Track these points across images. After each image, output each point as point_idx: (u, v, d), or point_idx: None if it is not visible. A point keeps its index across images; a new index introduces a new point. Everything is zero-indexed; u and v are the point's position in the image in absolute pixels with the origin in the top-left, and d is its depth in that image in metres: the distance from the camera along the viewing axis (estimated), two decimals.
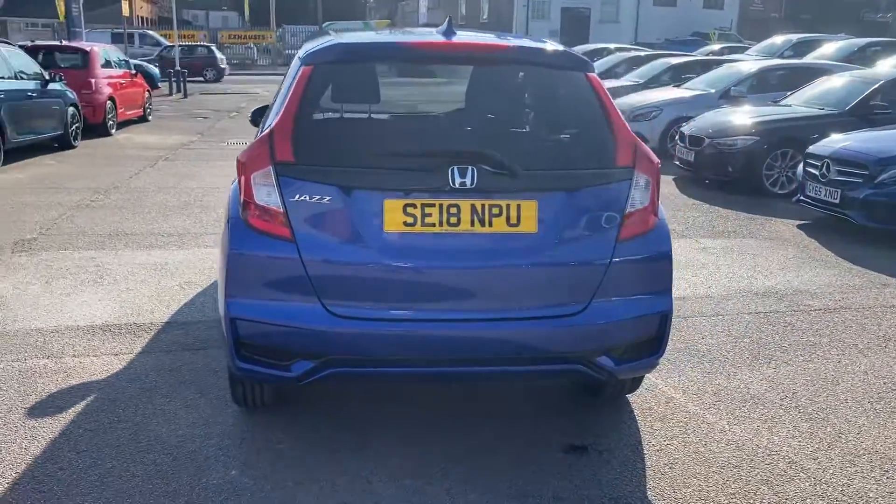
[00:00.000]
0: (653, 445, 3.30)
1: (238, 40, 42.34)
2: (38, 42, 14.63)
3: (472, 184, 2.85)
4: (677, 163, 9.71)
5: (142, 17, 57.82)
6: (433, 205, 2.87)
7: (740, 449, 3.27)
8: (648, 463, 3.17)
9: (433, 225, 2.88)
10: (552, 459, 3.16)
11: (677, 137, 9.95)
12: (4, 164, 9.66)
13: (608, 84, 9.54)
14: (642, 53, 18.60)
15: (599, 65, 16.63)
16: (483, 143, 2.99)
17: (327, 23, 47.86)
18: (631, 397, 3.71)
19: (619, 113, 3.13)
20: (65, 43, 15.05)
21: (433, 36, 3.19)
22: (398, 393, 3.67)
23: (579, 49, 19.39)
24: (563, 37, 33.10)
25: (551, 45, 3.26)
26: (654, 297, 3.12)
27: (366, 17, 47.19)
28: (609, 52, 20.58)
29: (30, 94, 10.48)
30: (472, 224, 2.90)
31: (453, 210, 2.88)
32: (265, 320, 2.89)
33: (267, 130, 2.97)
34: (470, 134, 3.19)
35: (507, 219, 2.91)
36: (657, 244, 3.11)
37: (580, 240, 2.99)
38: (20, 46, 11.84)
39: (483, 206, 2.90)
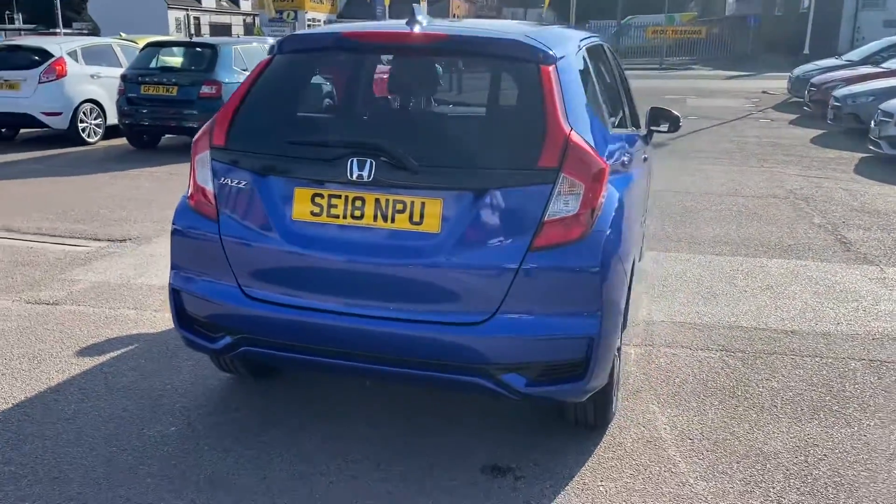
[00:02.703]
0: (584, 483, 2.95)
1: None
2: None
3: (369, 177, 2.78)
4: None
5: (455, 16, 61.63)
6: (339, 196, 2.86)
7: None
8: (563, 498, 2.85)
9: (337, 217, 2.86)
10: (466, 476, 2.98)
11: None
12: None
13: None
14: None
15: None
16: (389, 136, 2.89)
17: (628, 17, 47.09)
18: (611, 428, 3.33)
19: (561, 109, 2.82)
20: None
21: (389, 27, 3.14)
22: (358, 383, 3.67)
23: None
24: None
25: (510, 35, 3.02)
26: (577, 317, 2.78)
27: (669, 9, 45.43)
28: None
29: None
30: (375, 219, 2.83)
31: (358, 203, 2.84)
32: (197, 294, 3.10)
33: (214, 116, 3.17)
34: (381, 126, 3.08)
35: (410, 216, 2.80)
36: (582, 258, 2.76)
37: (487, 245, 2.76)
38: None
39: (387, 200, 2.81)
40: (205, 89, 10.40)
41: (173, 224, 3.16)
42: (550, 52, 2.96)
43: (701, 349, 4.22)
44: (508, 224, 2.75)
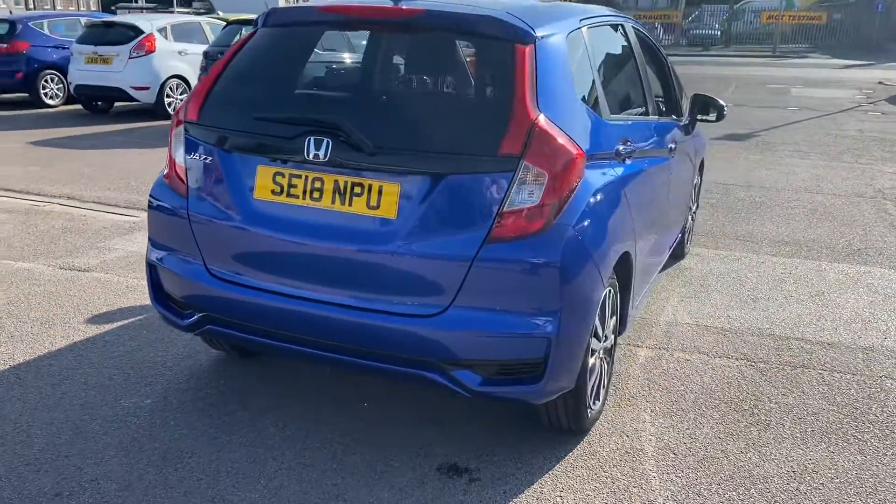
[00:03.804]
0: (541, 492, 2.76)
1: (643, 20, 41.99)
2: None
3: (325, 156, 2.67)
4: None
5: None
6: (300, 176, 2.77)
7: None
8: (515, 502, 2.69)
9: (297, 197, 2.77)
10: (419, 474, 2.85)
11: None
12: None
13: None
14: None
15: None
16: (347, 115, 2.76)
17: (743, 0, 44.87)
18: (592, 435, 3.12)
19: (531, 93, 2.62)
20: None
21: (369, 1, 2.99)
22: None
23: None
24: None
25: (490, 11, 2.82)
26: (535, 315, 2.59)
27: None
28: None
29: None
30: (333, 201, 2.72)
31: (317, 184, 2.74)
32: (168, 269, 3.09)
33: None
34: (342, 104, 2.94)
35: (368, 200, 2.68)
36: (541, 253, 2.56)
37: (442, 234, 2.60)
38: None
39: (346, 182, 2.70)
40: None
41: (149, 198, 3.16)
42: (531, 31, 2.75)
43: (719, 356, 3.91)
44: (466, 213, 2.59)
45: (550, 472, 2.89)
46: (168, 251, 3.10)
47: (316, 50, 3.39)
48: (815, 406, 3.43)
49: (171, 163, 3.07)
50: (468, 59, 2.90)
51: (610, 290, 3.08)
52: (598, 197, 2.82)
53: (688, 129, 4.73)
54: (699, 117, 4.78)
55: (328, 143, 2.67)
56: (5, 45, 12.76)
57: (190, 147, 2.99)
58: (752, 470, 2.93)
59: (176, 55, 12.08)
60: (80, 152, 9.21)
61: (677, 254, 5.41)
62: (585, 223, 2.68)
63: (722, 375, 3.70)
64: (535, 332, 2.60)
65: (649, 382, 3.61)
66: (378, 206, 2.66)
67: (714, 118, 4.73)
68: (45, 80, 13.08)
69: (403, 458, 2.94)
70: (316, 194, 2.74)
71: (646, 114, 3.80)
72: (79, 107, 12.93)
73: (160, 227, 3.12)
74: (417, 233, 2.62)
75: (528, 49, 2.72)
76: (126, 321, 4.14)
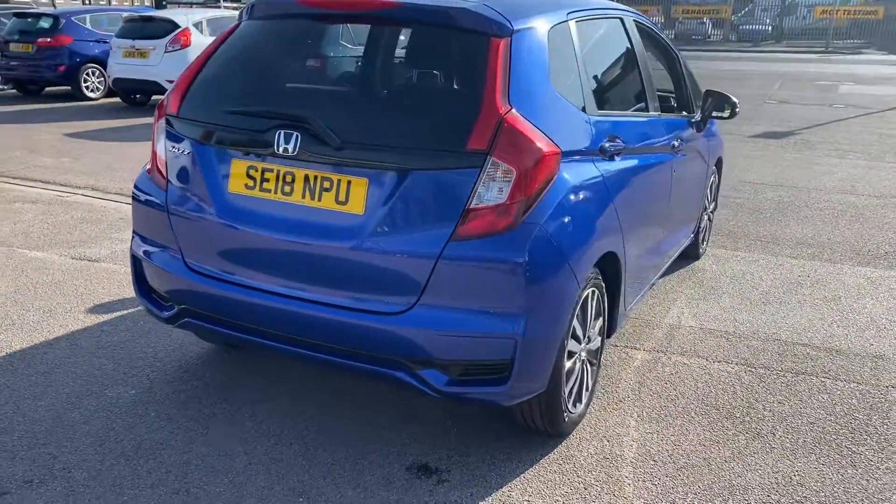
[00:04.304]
0: (510, 495, 2.70)
1: (692, 14, 41.23)
2: None
3: (294, 151, 2.65)
4: None
5: None
6: (272, 170, 2.75)
7: None
8: None
9: (269, 191, 2.76)
10: (387, 472, 2.82)
11: None
12: None
13: None
14: None
15: None
16: (316, 109, 2.72)
17: None
18: (572, 439, 3.05)
19: (502, 87, 2.56)
20: None
21: None
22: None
23: None
24: None
25: (467, 4, 2.76)
26: (500, 315, 2.53)
27: None
28: None
29: None
30: (304, 195, 2.70)
31: (288, 178, 2.72)
32: (150, 262, 3.11)
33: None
34: (312, 98, 2.89)
35: (336, 195, 2.64)
36: (507, 252, 2.49)
37: (408, 230, 2.55)
38: None
39: (315, 177, 2.67)
40: None
41: (133, 191, 3.17)
42: (507, 24, 2.68)
43: (718, 361, 3.79)
44: (432, 209, 2.54)
45: (522, 475, 2.82)
46: (150, 244, 3.11)
47: (344, 43, 3.36)
48: (811, 415, 3.29)
49: (153, 155, 3.08)
50: (444, 53, 2.84)
51: (593, 291, 3.00)
52: (576, 194, 2.74)
53: (699, 127, 4.60)
54: (714, 114, 4.64)
55: (297, 137, 2.64)
56: (49, 39, 13.09)
57: (170, 140, 3.00)
58: (733, 480, 2.82)
59: None
60: (111, 144, 9.39)
61: (691, 255, 5.27)
62: (558, 221, 2.61)
63: (718, 381, 3.59)
64: (501, 332, 2.53)
65: (641, 386, 3.51)
66: (346, 202, 2.63)
67: (727, 115, 4.58)
68: (87, 74, 13.38)
69: (376, 457, 2.91)
70: (287, 188, 2.72)
71: (645, 110, 3.69)
72: (118, 100, 13.21)
73: (142, 220, 3.14)
74: (384, 229, 2.58)
75: (503, 42, 2.65)
76: (125, 311, 4.19)
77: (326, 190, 2.66)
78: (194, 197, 2.91)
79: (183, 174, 2.95)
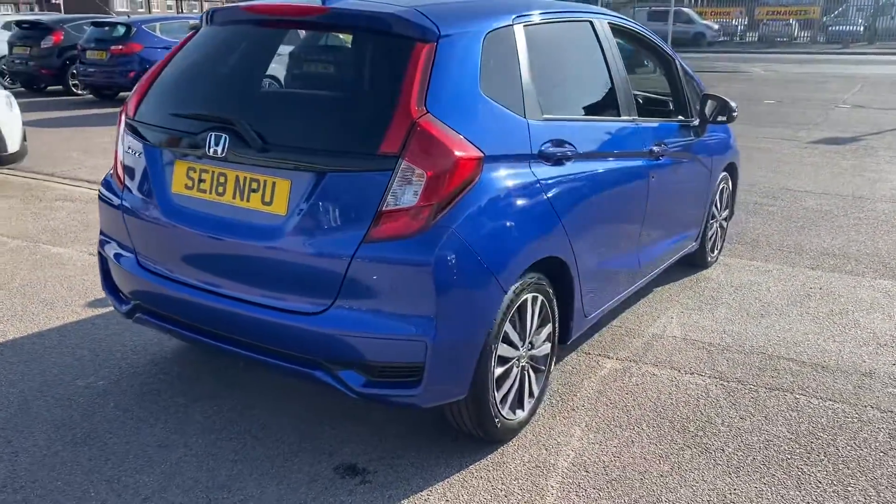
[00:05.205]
0: (426, 499, 2.69)
1: (777, 16, 39.80)
2: None
3: (222, 152, 2.73)
4: None
5: None
6: (207, 171, 2.84)
7: None
8: None
9: (205, 192, 2.85)
10: (312, 471, 2.85)
11: None
12: None
13: None
14: None
15: None
16: (242, 111, 2.79)
17: None
18: (510, 446, 3.02)
19: (420, 91, 2.56)
20: None
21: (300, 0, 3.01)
22: None
23: None
24: None
25: (395, 9, 2.77)
26: (411, 318, 2.54)
27: None
28: None
29: None
30: (234, 196, 2.78)
31: (222, 179, 2.81)
32: (111, 258, 3.25)
33: None
34: (240, 101, 2.93)
35: (263, 196, 2.71)
36: (415, 254, 2.49)
37: (324, 232, 2.59)
38: None
39: (245, 178, 2.75)
40: None
41: (98, 190, 3.33)
42: (434, 29, 2.69)
43: (691, 373, 3.67)
44: (347, 212, 2.57)
45: (447, 479, 2.82)
46: (111, 242, 3.26)
47: (288, 48, 3.46)
48: (771, 433, 3.15)
49: (115, 157, 3.22)
50: (371, 57, 2.87)
51: (535, 297, 2.96)
52: (503, 199, 2.72)
53: (698, 131, 4.47)
54: (720, 118, 4.50)
55: (225, 139, 2.72)
56: (121, 47, 13.75)
57: (126, 142, 3.13)
58: (663, 495, 2.73)
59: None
60: None
61: (698, 263, 5.12)
62: (476, 225, 2.60)
63: (683, 393, 3.47)
64: (411, 335, 2.54)
65: (600, 395, 3.44)
66: (271, 203, 2.69)
67: (725, 119, 4.44)
68: None
69: (307, 455, 2.95)
70: (220, 189, 2.81)
71: (616, 114, 3.62)
72: None
73: (104, 219, 3.28)
74: (303, 230, 2.62)
75: (427, 47, 2.66)
76: None
77: (254, 191, 2.73)
78: (144, 197, 3.03)
79: (135, 175, 3.08)
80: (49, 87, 16.19)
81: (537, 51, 3.13)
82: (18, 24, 16.07)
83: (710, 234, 5.07)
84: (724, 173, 5.09)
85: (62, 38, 15.29)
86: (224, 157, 2.73)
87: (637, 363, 3.77)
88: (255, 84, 3.04)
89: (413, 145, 2.50)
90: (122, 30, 14.05)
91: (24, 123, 7.63)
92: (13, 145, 7.15)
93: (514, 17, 3.05)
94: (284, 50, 3.39)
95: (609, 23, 3.76)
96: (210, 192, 2.83)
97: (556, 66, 3.35)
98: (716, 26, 37.81)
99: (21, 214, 6.37)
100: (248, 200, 2.74)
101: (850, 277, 5.09)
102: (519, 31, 3.05)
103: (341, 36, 3.68)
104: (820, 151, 9.92)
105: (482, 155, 2.64)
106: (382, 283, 2.55)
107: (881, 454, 3.01)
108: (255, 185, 2.73)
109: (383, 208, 2.52)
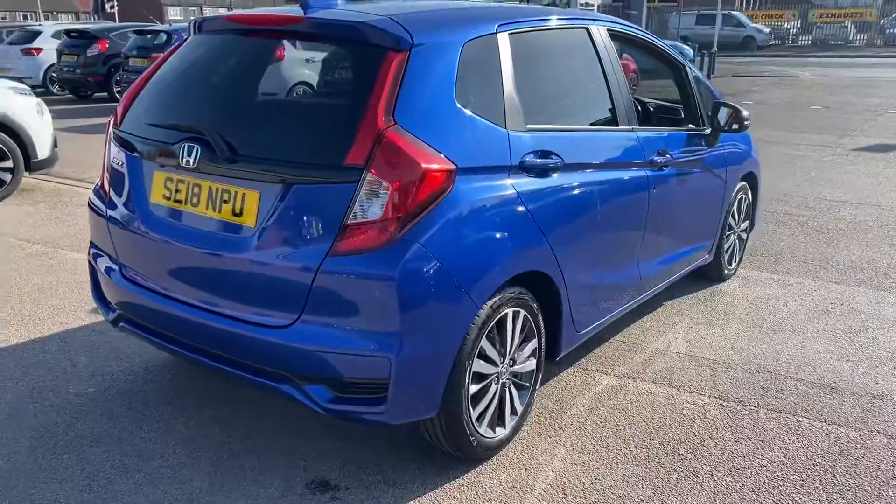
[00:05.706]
0: None
1: (831, 18, 38.73)
2: None
3: (194, 163, 2.71)
4: None
5: None
6: (183, 181, 2.83)
7: None
8: None
9: (181, 202, 2.84)
10: (283, 487, 2.81)
11: None
12: None
13: None
14: None
15: None
16: (212, 122, 2.76)
17: None
18: (488, 465, 2.93)
19: (388, 102, 2.51)
20: None
21: (284, 10, 2.99)
22: None
23: None
24: None
25: (370, 18, 2.72)
26: (375, 333, 2.48)
27: None
28: None
29: None
30: (208, 207, 2.76)
31: (196, 189, 2.80)
32: (98, 267, 3.28)
33: None
34: (213, 112, 2.89)
35: (233, 207, 2.69)
36: (379, 268, 2.43)
37: (291, 245, 2.55)
38: None
39: (217, 189, 2.73)
40: None
41: (88, 199, 3.35)
42: (407, 39, 2.63)
43: (690, 392, 3.54)
44: (313, 224, 2.52)
45: (418, 498, 2.75)
46: (99, 251, 3.28)
47: (273, 58, 3.46)
48: (767, 458, 3.01)
49: (103, 166, 3.25)
50: (344, 67, 2.83)
51: (517, 312, 2.88)
52: (478, 212, 2.65)
53: (709, 140, 4.33)
54: (734, 126, 4.35)
55: (197, 149, 2.71)
56: (162, 54, 13.98)
57: (112, 152, 3.15)
58: None
59: (303, 62, 12.66)
60: None
61: (713, 276, 4.96)
62: (446, 238, 2.53)
63: (678, 413, 3.35)
64: (375, 351, 2.48)
65: (591, 413, 3.33)
66: (241, 214, 2.67)
67: (737, 128, 4.28)
68: None
69: (282, 469, 2.92)
70: (195, 199, 2.79)
71: (613, 123, 3.51)
72: None
73: (93, 228, 3.31)
74: (270, 242, 2.59)
75: (399, 57, 2.60)
76: None
77: (226, 202, 2.71)
78: (125, 206, 3.04)
79: (119, 185, 3.09)
80: (95, 94, 16.62)
81: (525, 60, 3.05)
82: (67, 32, 16.52)
83: (726, 246, 4.91)
84: (742, 183, 4.92)
85: (107, 46, 15.68)
86: (196, 168, 2.72)
87: (634, 380, 3.65)
88: (233, 94, 3.02)
89: (378, 157, 2.44)
90: (164, 37, 14.33)
91: (68, 130, 7.82)
92: (43, 152, 7.31)
93: (497, 25, 2.98)
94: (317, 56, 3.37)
95: (608, 29, 3.65)
96: (185, 203, 2.82)
97: (546, 75, 3.26)
98: (767, 30, 37.01)
99: (45, 220, 6.51)
100: (219, 211, 2.72)
101: (875, 293, 4.86)
102: (503, 40, 2.97)
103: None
104: (863, 159, 9.58)
105: (454, 167, 2.57)
106: (347, 297, 2.50)
107: (882, 484, 2.85)
108: (226, 196, 2.71)
109: (348, 221, 2.47)
